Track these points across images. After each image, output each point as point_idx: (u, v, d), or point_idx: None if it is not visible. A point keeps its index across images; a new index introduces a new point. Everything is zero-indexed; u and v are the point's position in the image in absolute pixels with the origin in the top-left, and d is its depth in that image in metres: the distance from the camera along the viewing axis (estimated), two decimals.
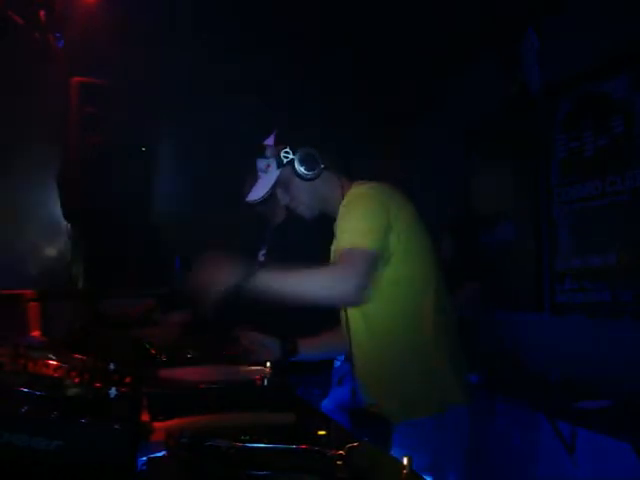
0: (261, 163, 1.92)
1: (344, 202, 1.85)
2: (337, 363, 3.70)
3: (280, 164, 1.87)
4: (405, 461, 1.04)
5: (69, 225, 3.53)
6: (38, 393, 1.06)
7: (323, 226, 2.02)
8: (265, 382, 1.68)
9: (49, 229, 3.46)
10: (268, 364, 1.82)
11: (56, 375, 1.29)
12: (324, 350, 2.18)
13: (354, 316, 1.84)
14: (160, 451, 1.09)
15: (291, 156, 1.85)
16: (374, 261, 1.69)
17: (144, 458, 1.05)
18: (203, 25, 3.46)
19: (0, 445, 0.93)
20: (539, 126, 3.46)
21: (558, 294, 3.31)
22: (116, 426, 1.00)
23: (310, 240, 2.37)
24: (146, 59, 3.50)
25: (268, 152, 1.89)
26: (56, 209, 3.41)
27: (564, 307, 3.27)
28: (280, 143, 1.89)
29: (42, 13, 2.79)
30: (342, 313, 1.91)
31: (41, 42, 2.87)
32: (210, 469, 1.03)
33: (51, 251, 3.46)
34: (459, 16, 3.34)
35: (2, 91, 3.12)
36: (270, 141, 1.91)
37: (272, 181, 1.89)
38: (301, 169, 1.85)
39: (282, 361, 1.99)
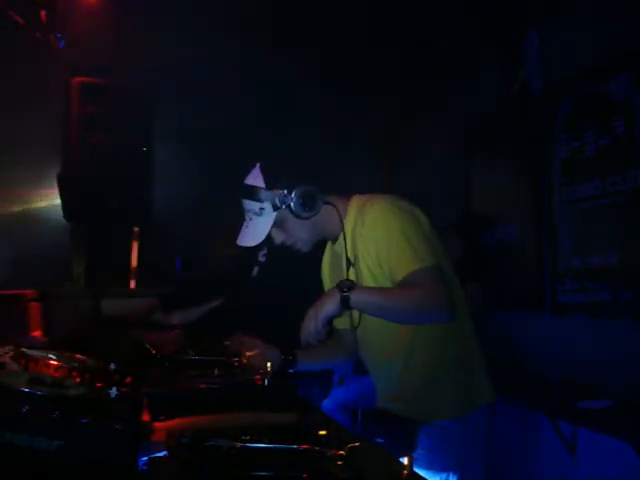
0: (253, 206, 1.79)
1: (363, 223, 1.77)
2: None
3: (276, 207, 1.76)
4: (405, 461, 1.04)
5: (70, 225, 3.53)
6: (39, 393, 1.06)
7: None
8: (266, 382, 1.68)
9: (50, 229, 3.46)
10: (269, 364, 1.82)
11: (57, 375, 1.29)
12: (323, 361, 2.14)
13: (377, 321, 1.78)
14: (161, 451, 1.09)
15: (289, 200, 1.75)
16: (442, 274, 1.68)
17: (145, 458, 1.05)
18: (203, 25, 3.46)
19: (1, 445, 0.93)
20: (540, 126, 3.45)
21: (559, 294, 3.31)
22: (117, 426, 1.00)
23: None
24: (146, 59, 3.50)
25: (262, 196, 1.77)
26: (57, 209, 3.42)
27: (565, 307, 3.26)
28: (273, 186, 1.77)
29: (43, 13, 2.79)
30: (354, 319, 1.85)
31: (42, 42, 2.87)
32: (211, 469, 1.03)
33: (52, 251, 3.46)
34: (460, 16, 3.34)
35: (3, 91, 3.12)
36: (260, 182, 1.79)
37: (269, 224, 1.79)
38: (301, 210, 1.75)
39: (281, 372, 1.97)
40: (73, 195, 3.46)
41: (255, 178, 1.81)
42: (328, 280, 2.06)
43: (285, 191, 1.75)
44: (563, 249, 3.29)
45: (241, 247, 1.85)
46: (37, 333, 2.65)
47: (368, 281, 1.78)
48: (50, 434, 0.96)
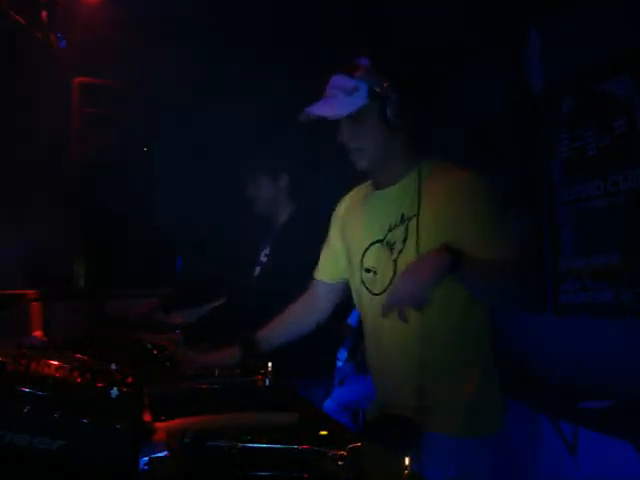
0: (345, 81, 1.53)
1: (456, 179, 1.60)
2: (339, 364, 3.70)
3: (373, 94, 1.51)
4: (407, 461, 1.04)
5: (71, 225, 3.53)
6: (40, 393, 1.06)
7: (325, 225, 2.00)
8: (267, 382, 1.68)
9: (50, 229, 3.46)
10: (270, 364, 1.82)
11: (58, 375, 1.29)
12: (293, 330, 1.96)
13: (399, 324, 1.52)
14: (162, 451, 1.08)
15: (390, 94, 1.50)
16: (523, 259, 1.56)
17: (146, 458, 1.05)
18: (204, 24, 3.46)
19: (1, 445, 0.93)
20: (541, 126, 3.45)
21: (560, 294, 3.30)
22: (118, 426, 1.00)
23: (313, 240, 2.37)
24: (148, 59, 3.50)
25: (360, 74, 1.52)
26: (58, 209, 3.42)
27: (567, 307, 3.26)
28: (378, 71, 1.53)
29: (44, 13, 2.79)
30: (369, 319, 1.70)
31: (43, 42, 2.87)
32: (212, 469, 1.03)
33: (52, 251, 3.46)
34: (460, 15, 3.34)
35: (4, 91, 3.12)
36: (364, 61, 1.55)
37: (357, 105, 1.52)
38: (394, 113, 1.51)
39: (246, 361, 1.88)
40: (75, 195, 3.47)
41: (362, 58, 1.57)
42: (348, 227, 1.81)
43: (392, 82, 1.51)
44: (564, 249, 3.28)
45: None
46: (38, 333, 2.65)
47: (424, 247, 1.54)
48: (51, 434, 0.96)
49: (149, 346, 2.06)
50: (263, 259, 2.67)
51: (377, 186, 1.70)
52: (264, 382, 1.69)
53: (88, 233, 3.61)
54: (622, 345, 2.85)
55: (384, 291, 1.59)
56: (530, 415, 3.24)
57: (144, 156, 3.83)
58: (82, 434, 0.98)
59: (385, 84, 1.51)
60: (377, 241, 1.65)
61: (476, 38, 3.58)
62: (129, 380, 1.36)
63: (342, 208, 1.88)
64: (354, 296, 1.79)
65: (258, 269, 2.68)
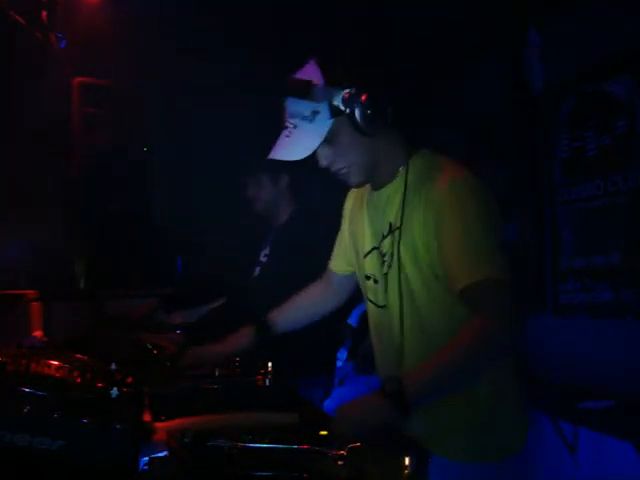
0: (303, 108, 1.37)
1: (439, 185, 1.43)
2: (339, 364, 3.70)
3: (337, 111, 1.35)
4: (407, 461, 1.04)
5: (71, 225, 3.53)
6: (40, 393, 1.06)
7: (325, 225, 2.00)
8: (267, 382, 1.68)
9: (50, 229, 3.46)
10: (270, 364, 1.82)
11: (58, 375, 1.29)
12: (310, 315, 1.92)
13: (417, 337, 1.48)
14: (162, 451, 1.08)
15: (356, 103, 1.34)
16: (508, 290, 1.35)
17: (146, 458, 1.05)
18: (204, 24, 3.46)
19: (2, 445, 0.93)
20: (540, 126, 3.45)
21: (560, 294, 3.30)
22: (118, 426, 1.00)
23: (313, 240, 2.37)
24: (148, 59, 3.50)
25: (315, 93, 1.35)
26: (57, 209, 3.42)
27: (566, 307, 3.26)
28: (337, 82, 1.36)
29: (44, 13, 2.79)
30: (377, 330, 1.62)
31: (43, 42, 2.87)
32: (212, 469, 1.03)
33: (52, 251, 3.46)
34: (460, 15, 3.34)
35: (4, 91, 3.12)
36: (316, 77, 1.38)
37: (322, 134, 1.37)
38: (366, 120, 1.35)
39: (260, 345, 1.85)
40: (74, 195, 3.46)
41: (309, 73, 1.40)
42: (353, 227, 1.72)
43: (353, 89, 1.34)
44: (565, 249, 3.28)
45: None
46: (38, 333, 2.65)
47: (407, 263, 1.44)
48: (51, 434, 0.96)
49: (149, 346, 2.06)
50: (263, 259, 2.67)
51: (373, 186, 1.59)
52: (264, 382, 1.69)
53: (88, 233, 3.61)
54: (622, 345, 2.85)
55: (385, 304, 1.54)
56: (530, 415, 3.23)
57: (144, 156, 3.83)
58: (82, 434, 0.98)
59: (346, 94, 1.35)
60: (375, 248, 1.58)
61: (476, 38, 3.58)
62: (129, 380, 1.36)
63: (349, 203, 1.80)
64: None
65: (258, 269, 2.68)
